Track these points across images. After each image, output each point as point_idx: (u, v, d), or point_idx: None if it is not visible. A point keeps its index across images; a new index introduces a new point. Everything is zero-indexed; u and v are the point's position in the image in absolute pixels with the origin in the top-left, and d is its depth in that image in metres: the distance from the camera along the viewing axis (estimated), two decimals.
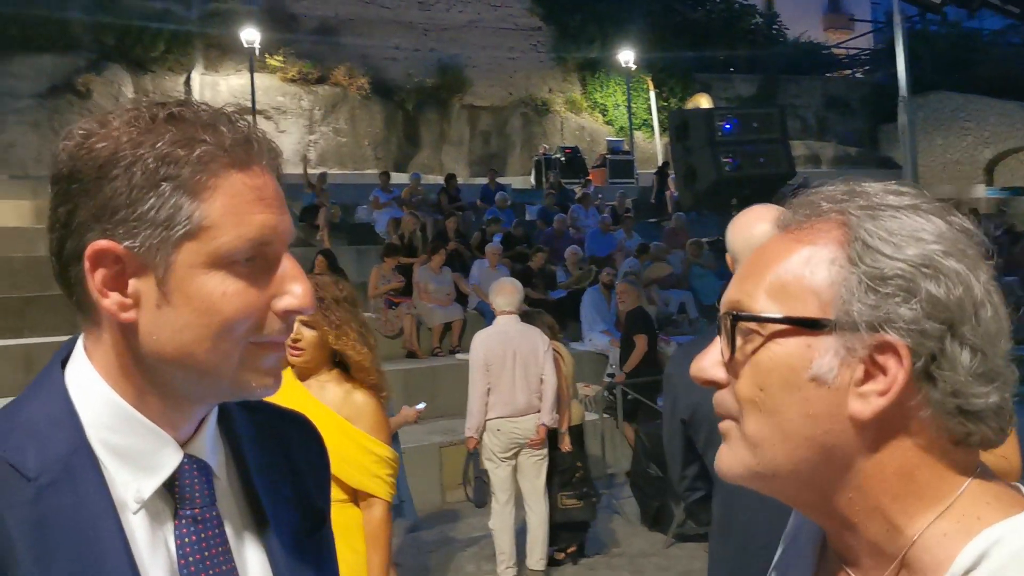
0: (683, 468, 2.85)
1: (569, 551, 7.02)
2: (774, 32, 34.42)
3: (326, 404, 3.13)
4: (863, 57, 37.05)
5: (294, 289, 1.01)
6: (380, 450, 3.14)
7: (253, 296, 0.98)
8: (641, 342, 9.18)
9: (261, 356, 1.01)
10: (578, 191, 18.57)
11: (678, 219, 15.38)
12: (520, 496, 6.61)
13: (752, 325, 0.89)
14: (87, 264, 0.95)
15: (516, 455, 6.48)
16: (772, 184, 11.28)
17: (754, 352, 0.89)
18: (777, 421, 0.87)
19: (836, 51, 37.49)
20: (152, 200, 0.94)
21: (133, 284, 0.96)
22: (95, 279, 0.96)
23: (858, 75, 35.93)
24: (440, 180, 19.08)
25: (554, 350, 6.74)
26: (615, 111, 28.32)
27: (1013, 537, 0.82)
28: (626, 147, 24.92)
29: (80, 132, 0.97)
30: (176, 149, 0.95)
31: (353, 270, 12.88)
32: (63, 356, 1.05)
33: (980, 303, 0.84)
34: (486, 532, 6.81)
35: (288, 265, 1.02)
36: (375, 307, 11.79)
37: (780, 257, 0.90)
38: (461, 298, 12.31)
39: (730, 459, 0.92)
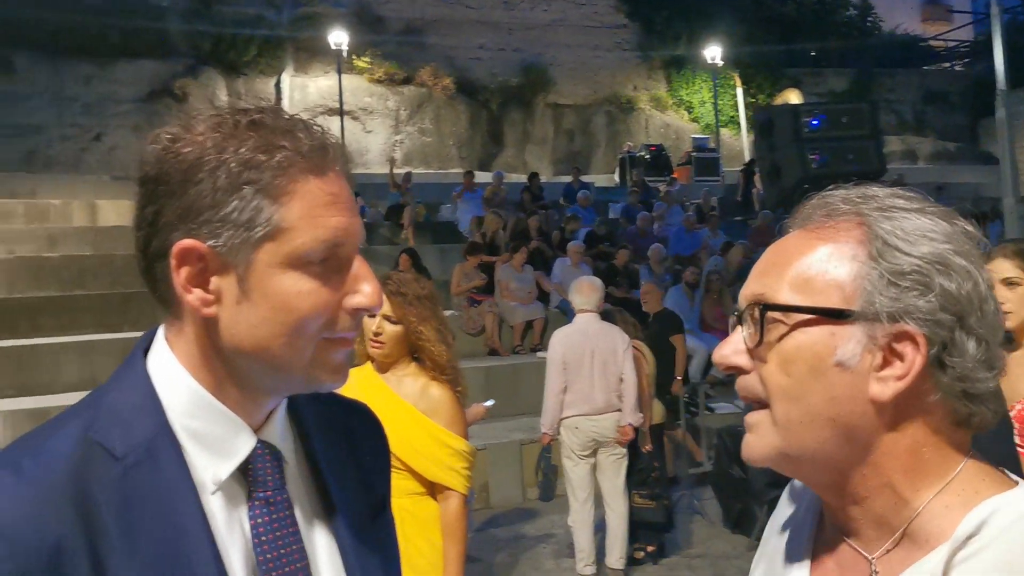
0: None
1: (649, 550, 7.02)
2: (868, 24, 33.54)
3: (403, 398, 3.20)
4: (962, 49, 35.88)
5: (364, 288, 1.07)
6: (456, 443, 3.19)
7: (326, 295, 1.04)
8: (679, 342, 9.13)
9: (331, 352, 1.08)
10: (662, 189, 18.45)
11: (764, 217, 15.15)
12: (599, 494, 6.64)
13: (778, 315, 0.96)
14: (173, 262, 1.02)
15: (594, 453, 6.49)
16: (862, 181, 11.04)
17: (779, 340, 0.96)
18: (804, 405, 0.95)
19: (934, 43, 36.36)
20: (235, 203, 1.00)
21: (215, 281, 1.03)
22: (180, 276, 1.02)
23: (957, 68, 34.83)
24: (524, 179, 19.14)
25: (635, 349, 6.75)
26: (701, 108, 28.00)
27: (1009, 508, 0.91)
28: (712, 144, 24.61)
29: (166, 136, 1.03)
30: (257, 154, 1.01)
31: (436, 268, 13.02)
32: (144, 346, 1.12)
33: (984, 298, 0.93)
34: (566, 529, 6.85)
35: (359, 265, 1.08)
36: (457, 305, 11.90)
37: (801, 253, 0.98)
38: (543, 296, 12.35)
39: (758, 444, 1.00)
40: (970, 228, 0.96)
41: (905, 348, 0.92)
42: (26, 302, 11.10)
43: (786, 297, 0.96)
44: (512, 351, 11.75)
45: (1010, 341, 2.82)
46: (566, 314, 11.95)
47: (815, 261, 0.96)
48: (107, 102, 21.26)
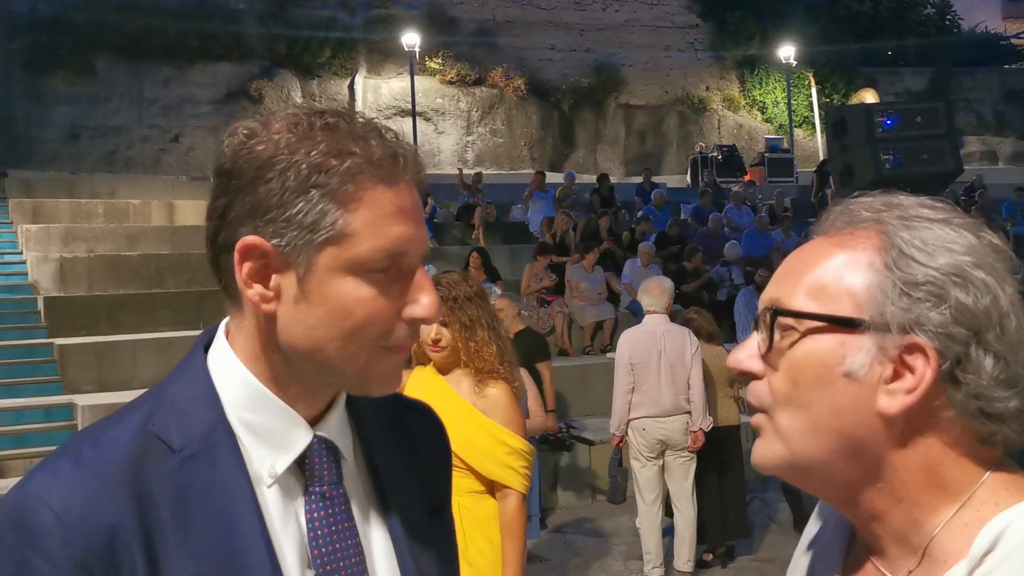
0: None
1: (718, 553, 6.96)
2: (947, 23, 32.78)
3: (462, 396, 3.22)
4: None
5: (423, 300, 1.07)
6: (514, 442, 3.20)
7: (384, 303, 1.05)
8: (546, 369, 8.93)
9: (385, 360, 1.08)
10: (735, 189, 18.25)
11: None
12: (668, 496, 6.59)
13: (790, 321, 0.95)
14: (236, 256, 1.03)
15: (662, 455, 6.46)
16: (938, 182, 10.76)
17: (790, 347, 0.94)
18: (809, 415, 0.93)
19: (1015, 42, 35.40)
20: (301, 204, 1.01)
21: (275, 279, 1.04)
22: (242, 270, 1.04)
23: None
24: (595, 180, 19.09)
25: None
26: (774, 108, 27.64)
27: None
28: (785, 145, 24.29)
29: (243, 132, 1.05)
30: (328, 159, 1.01)
31: (506, 268, 13.05)
32: (206, 341, 1.15)
33: (1005, 314, 0.89)
34: (634, 531, 6.82)
35: (420, 277, 1.08)
36: (527, 305, 11.91)
37: (819, 259, 0.96)
38: (613, 297, 12.30)
39: (763, 451, 0.98)
40: (998, 242, 0.93)
41: (916, 361, 0.89)
42: (106, 299, 11.42)
43: (800, 303, 0.94)
44: (582, 352, 11.72)
45: None
46: (636, 315, 11.88)
47: (831, 268, 0.95)
48: (185, 104, 21.77)
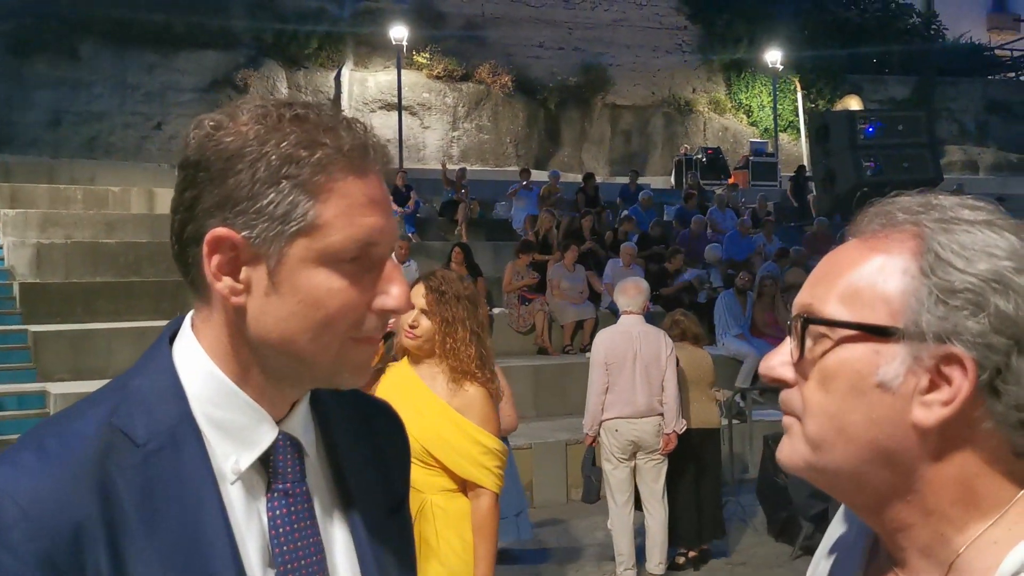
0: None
1: (691, 555, 6.97)
2: (932, 32, 32.99)
3: (437, 394, 3.21)
4: None
5: (393, 291, 1.07)
6: (488, 441, 3.20)
7: (355, 294, 1.04)
8: None
9: (356, 350, 1.08)
10: (718, 192, 18.29)
11: (820, 223, 14.96)
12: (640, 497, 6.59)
13: (822, 329, 0.91)
14: (205, 248, 1.02)
15: (634, 456, 6.45)
16: (925, 189, 10.91)
17: (823, 355, 0.91)
18: (841, 424, 0.90)
19: (999, 52, 35.69)
20: (272, 195, 1.00)
21: (245, 271, 1.03)
22: (211, 263, 1.02)
23: (1023, 78, 34.15)
24: (580, 179, 19.10)
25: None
26: (760, 112, 27.75)
27: None
28: (770, 149, 24.38)
29: (210, 124, 1.04)
30: (299, 150, 1.01)
31: (489, 265, 13.05)
32: (171, 333, 1.13)
33: None
34: (609, 531, 6.82)
35: (390, 268, 1.08)
36: (508, 302, 11.91)
37: (854, 264, 0.92)
38: (594, 296, 12.32)
39: (791, 452, 0.95)
40: None
41: (953, 372, 0.85)
42: (82, 287, 11.34)
43: (833, 309, 0.91)
44: (562, 350, 11.74)
45: None
46: (616, 315, 11.90)
47: (866, 273, 0.90)
48: (169, 91, 21.63)
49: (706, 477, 6.93)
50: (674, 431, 6.38)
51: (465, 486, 3.22)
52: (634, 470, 6.48)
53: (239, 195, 1.00)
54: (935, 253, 0.87)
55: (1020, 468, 0.88)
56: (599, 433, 6.46)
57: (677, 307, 9.57)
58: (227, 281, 1.03)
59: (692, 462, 6.80)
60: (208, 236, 1.01)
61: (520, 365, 10.24)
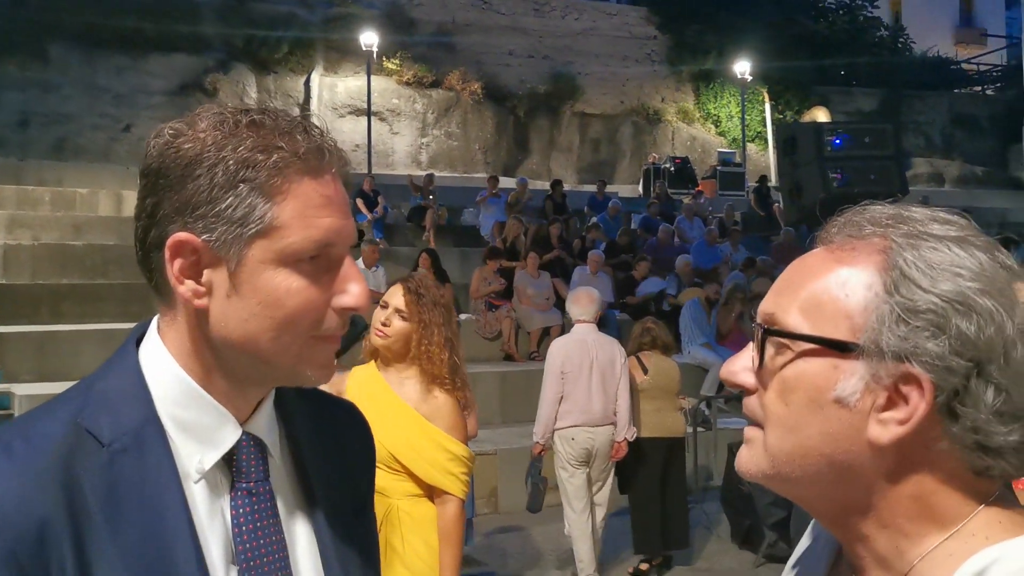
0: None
1: (655, 563, 7.00)
2: (900, 45, 33.37)
3: (405, 400, 3.22)
4: (995, 74, 35.64)
5: (352, 289, 1.10)
6: (456, 448, 3.21)
7: (315, 293, 1.07)
8: None
9: (318, 348, 1.10)
10: (686, 201, 18.41)
11: (787, 234, 15.08)
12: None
13: (783, 340, 0.91)
14: (167, 253, 1.05)
15: (588, 463, 6.48)
16: (896, 200, 11.09)
17: (783, 367, 0.91)
18: (798, 437, 0.90)
19: (966, 67, 36.13)
20: (230, 199, 1.03)
21: (207, 274, 1.06)
22: (173, 267, 1.05)
23: (989, 92, 34.57)
24: (548, 186, 19.14)
25: (634, 358, 6.76)
26: (728, 122, 27.91)
27: (1013, 556, 0.83)
28: (738, 159, 24.54)
29: (169, 132, 1.07)
30: (255, 154, 1.04)
31: (456, 271, 13.05)
32: (138, 336, 1.16)
33: (1011, 343, 0.84)
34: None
35: (348, 266, 1.11)
36: (475, 309, 11.92)
37: (818, 274, 0.91)
38: (561, 304, 12.32)
39: (748, 461, 0.95)
40: (1013, 264, 0.88)
41: (910, 391, 0.85)
42: (49, 288, 11.24)
43: (794, 320, 0.90)
44: (528, 357, 11.75)
45: None
46: None
47: (830, 285, 0.90)
48: (138, 94, 21.43)
49: (671, 485, 6.97)
50: (625, 439, 6.44)
51: (431, 492, 3.23)
52: (588, 477, 6.52)
53: (198, 200, 1.03)
54: (900, 270, 0.86)
55: (978, 485, 0.88)
56: (553, 442, 6.46)
57: (644, 315, 9.63)
58: (189, 284, 1.06)
59: (657, 470, 6.84)
60: (169, 241, 1.04)
61: (486, 371, 10.26)
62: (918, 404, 0.84)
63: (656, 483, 6.85)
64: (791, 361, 0.90)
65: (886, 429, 0.86)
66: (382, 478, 3.13)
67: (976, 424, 0.84)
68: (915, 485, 0.88)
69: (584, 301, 6.53)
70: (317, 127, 1.11)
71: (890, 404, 0.86)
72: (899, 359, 0.84)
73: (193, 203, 1.03)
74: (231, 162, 1.03)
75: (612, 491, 6.76)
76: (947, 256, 0.85)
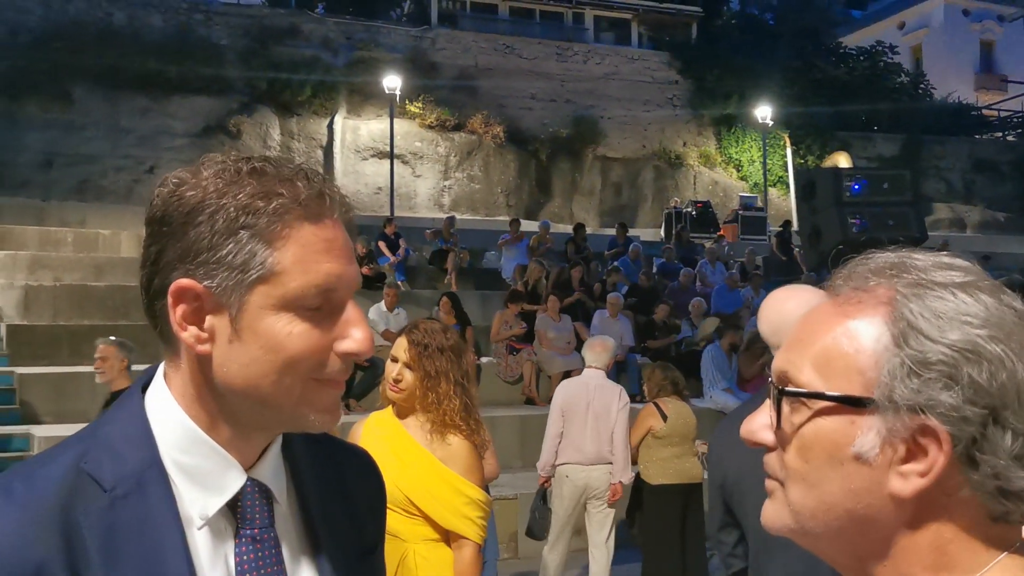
0: (720, 534, 2.83)
1: None
2: (920, 91, 33.45)
3: (421, 443, 3.20)
4: (1015, 119, 35.65)
5: (354, 334, 1.09)
6: (472, 492, 3.18)
7: (316, 337, 1.06)
8: None
9: (320, 392, 1.09)
10: (708, 245, 18.38)
11: (808, 278, 15.02)
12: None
13: (799, 398, 0.91)
14: (170, 299, 1.05)
15: (583, 501, 6.70)
16: (905, 245, 10.98)
17: (800, 425, 0.91)
18: (819, 493, 0.90)
19: (987, 112, 36.17)
20: (231, 246, 1.04)
21: (209, 320, 1.06)
22: (176, 313, 1.05)
23: (1010, 138, 34.57)
24: (569, 229, 19.17)
25: (654, 405, 6.81)
26: (750, 167, 27.99)
27: None
28: (759, 204, 24.53)
29: (174, 181, 1.08)
30: (256, 200, 1.04)
31: (477, 314, 13.04)
32: (144, 382, 1.15)
33: None
34: None
35: (351, 311, 1.10)
36: (496, 352, 11.88)
37: (827, 329, 0.91)
38: (582, 347, 12.29)
39: (773, 516, 0.95)
40: (1019, 305, 0.88)
41: (929, 444, 0.84)
42: (70, 329, 11.27)
43: (808, 378, 0.90)
44: (548, 401, 11.65)
45: None
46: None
47: (839, 340, 0.89)
48: (162, 135, 21.73)
49: (690, 530, 6.89)
50: (620, 481, 6.60)
51: (448, 536, 3.20)
52: (581, 513, 6.76)
53: (200, 246, 1.04)
54: (907, 321, 0.86)
55: (996, 532, 0.88)
56: (552, 475, 6.77)
57: (663, 358, 9.57)
58: (192, 330, 1.06)
59: (676, 517, 6.77)
60: (172, 287, 1.04)
61: (507, 415, 10.21)
62: (937, 456, 0.84)
63: (675, 531, 6.78)
64: (808, 420, 0.90)
65: (907, 482, 0.86)
66: (399, 522, 3.10)
67: (996, 470, 0.83)
68: (934, 534, 0.88)
69: (598, 349, 6.82)
70: (320, 174, 1.11)
71: (909, 456, 0.85)
72: (914, 412, 0.84)
73: (195, 250, 1.04)
74: (232, 209, 1.03)
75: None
76: (953, 304, 0.85)
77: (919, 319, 0.85)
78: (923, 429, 0.84)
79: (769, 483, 0.96)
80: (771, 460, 0.95)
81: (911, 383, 0.84)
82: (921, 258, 0.90)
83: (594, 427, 6.58)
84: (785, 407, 0.92)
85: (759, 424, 0.96)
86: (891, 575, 0.90)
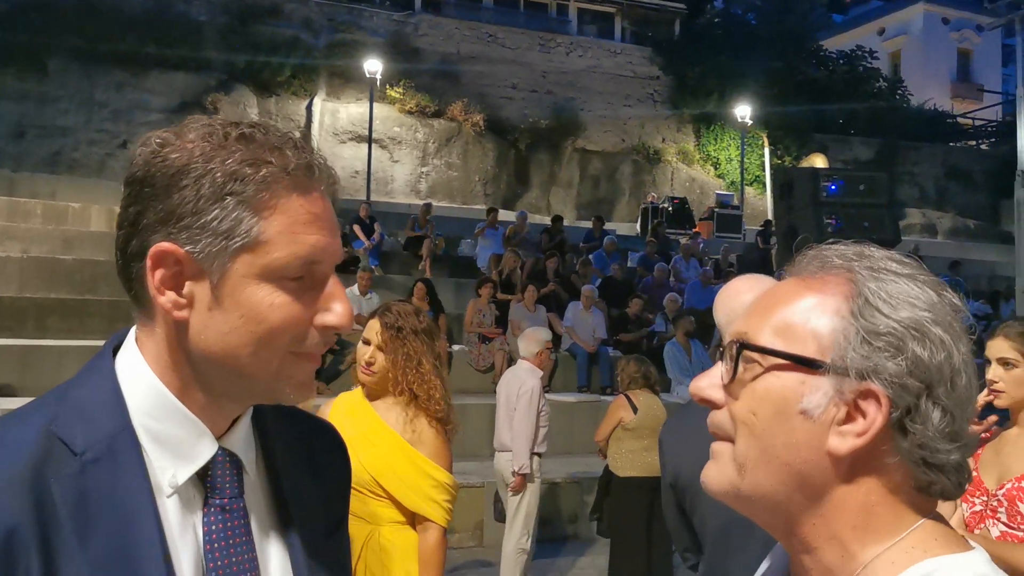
0: (675, 532, 2.83)
1: None
2: (898, 97, 33.72)
3: (390, 425, 3.19)
4: (990, 128, 36.03)
5: (335, 308, 1.08)
6: (439, 475, 3.18)
7: (297, 310, 1.05)
8: None
9: (297, 366, 1.08)
10: (683, 242, 18.41)
11: (780, 276, 15.05)
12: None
13: (755, 355, 0.99)
14: (148, 263, 1.03)
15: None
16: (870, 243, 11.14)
17: (753, 379, 0.99)
18: (764, 445, 0.97)
19: (962, 121, 36.53)
20: (216, 211, 1.02)
21: (189, 286, 1.04)
22: (154, 277, 1.03)
23: (983, 147, 34.94)
24: (547, 220, 19.15)
25: (624, 397, 6.82)
26: (728, 165, 28.11)
27: (949, 570, 0.92)
28: (735, 202, 24.62)
29: (157, 141, 1.05)
30: (244, 167, 1.02)
31: (451, 302, 13.00)
32: (115, 345, 1.13)
33: (957, 371, 0.95)
34: (560, 572, 6.77)
35: (333, 285, 1.09)
36: (468, 341, 11.85)
37: (789, 300, 1.00)
38: (555, 338, 12.28)
39: (716, 475, 1.02)
40: (957, 302, 0.98)
41: (868, 406, 0.93)
42: (35, 302, 11.14)
43: (766, 339, 0.99)
44: None
45: (1006, 419, 2.87)
46: (575, 356, 11.91)
47: (800, 309, 0.99)
48: (137, 110, 21.48)
49: (655, 525, 6.90)
50: (516, 471, 6.63)
51: (414, 519, 3.19)
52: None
53: (183, 211, 1.02)
54: (865, 298, 0.96)
55: (920, 500, 0.97)
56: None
57: (635, 352, 9.56)
58: (170, 295, 1.04)
59: (644, 510, 6.77)
60: (152, 250, 1.02)
61: (477, 403, 10.16)
62: (875, 418, 0.93)
63: (643, 522, 6.77)
64: (761, 375, 0.98)
65: (844, 440, 0.94)
66: (365, 504, 3.08)
67: (923, 441, 0.93)
68: (863, 496, 0.96)
69: (527, 339, 6.99)
70: (308, 144, 1.10)
71: (849, 418, 0.94)
72: (861, 376, 0.93)
73: (178, 213, 1.02)
74: (219, 174, 1.02)
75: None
76: (904, 288, 0.96)
77: (875, 297, 0.95)
78: (866, 393, 0.93)
79: (715, 445, 1.03)
80: (719, 417, 1.02)
81: (862, 350, 0.94)
82: (876, 251, 1.02)
83: (505, 415, 6.82)
84: (740, 365, 1.00)
85: (708, 383, 1.03)
86: (821, 534, 0.98)
